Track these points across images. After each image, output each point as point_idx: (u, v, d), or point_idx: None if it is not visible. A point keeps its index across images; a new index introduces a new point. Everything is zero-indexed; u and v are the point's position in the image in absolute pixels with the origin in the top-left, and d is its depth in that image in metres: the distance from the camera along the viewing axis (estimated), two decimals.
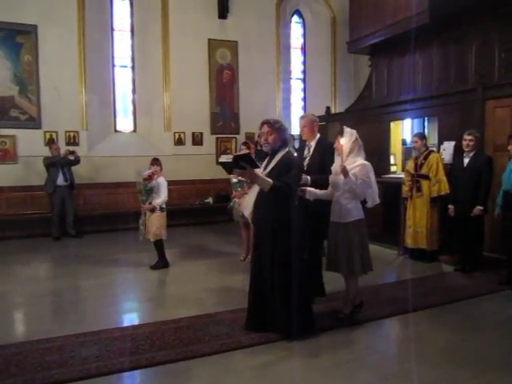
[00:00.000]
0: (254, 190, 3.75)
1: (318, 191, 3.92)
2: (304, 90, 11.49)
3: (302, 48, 11.39)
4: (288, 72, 11.10)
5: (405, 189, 6.21)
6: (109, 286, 5.28)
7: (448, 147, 6.36)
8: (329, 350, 3.48)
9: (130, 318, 4.37)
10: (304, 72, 11.46)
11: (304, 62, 11.43)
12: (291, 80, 11.27)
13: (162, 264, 5.84)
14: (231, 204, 6.12)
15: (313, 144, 4.41)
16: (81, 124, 8.86)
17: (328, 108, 9.31)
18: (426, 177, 5.93)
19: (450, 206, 5.58)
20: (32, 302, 4.74)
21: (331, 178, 3.91)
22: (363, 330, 3.84)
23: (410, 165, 6.22)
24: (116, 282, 5.52)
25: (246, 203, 3.91)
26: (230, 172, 3.54)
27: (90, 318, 4.16)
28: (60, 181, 7.94)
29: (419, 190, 6.00)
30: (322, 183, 4.02)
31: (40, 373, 3.07)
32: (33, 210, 8.20)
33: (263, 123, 3.69)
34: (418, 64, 8.30)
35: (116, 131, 9.54)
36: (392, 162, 8.45)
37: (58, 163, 7.89)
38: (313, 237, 4.24)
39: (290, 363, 3.27)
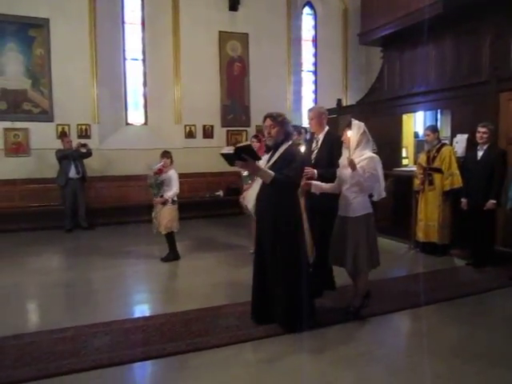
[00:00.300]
0: (257, 183, 3.74)
1: (323, 185, 3.90)
2: (315, 82, 11.41)
3: (313, 40, 11.30)
4: (299, 64, 11.03)
5: (417, 182, 6.16)
6: (120, 278, 5.35)
7: (461, 140, 6.28)
8: (337, 343, 3.48)
9: (141, 310, 4.42)
10: (315, 64, 11.38)
11: (315, 54, 11.34)
12: (302, 72, 11.19)
13: (172, 256, 5.88)
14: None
15: (321, 137, 4.35)
16: (92, 117, 8.92)
17: (339, 100, 9.24)
18: (439, 170, 5.87)
19: (463, 200, 5.53)
20: (45, 293, 4.82)
21: (338, 171, 3.88)
22: (372, 324, 3.84)
23: (422, 158, 6.16)
24: (127, 273, 5.57)
25: (249, 196, 3.90)
26: (231, 164, 3.49)
27: (101, 309, 4.22)
28: (72, 173, 8.02)
29: (431, 183, 5.95)
30: (329, 177, 3.98)
31: (53, 362, 3.13)
32: (45, 203, 8.29)
33: (266, 117, 3.68)
34: (431, 56, 8.20)
35: (127, 124, 9.59)
36: (404, 154, 8.39)
37: (70, 156, 7.96)
38: (321, 231, 4.22)
39: (298, 356, 3.29)
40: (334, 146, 4.17)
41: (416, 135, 9.23)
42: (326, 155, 4.24)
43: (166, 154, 5.77)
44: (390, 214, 7.23)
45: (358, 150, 3.77)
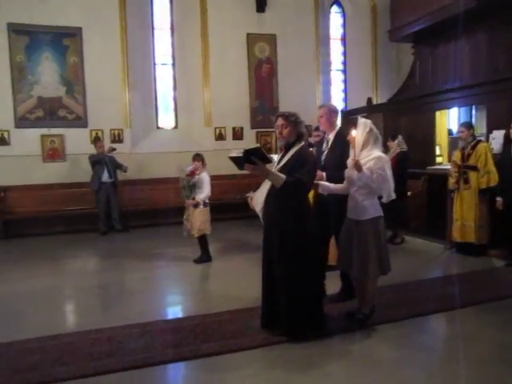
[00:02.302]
0: (265, 186, 3.56)
1: (331, 185, 3.72)
2: (344, 81, 11.28)
3: (341, 38, 11.18)
4: (328, 64, 10.93)
5: (451, 181, 5.99)
6: (153, 280, 5.43)
7: (497, 136, 6.09)
8: (369, 347, 3.43)
9: (175, 311, 4.48)
10: (344, 63, 11.24)
11: (344, 53, 11.21)
12: (331, 72, 11.09)
13: (205, 258, 5.92)
14: None
15: (331, 137, 4.13)
16: (124, 122, 9.10)
17: (369, 99, 9.12)
18: (474, 168, 5.69)
19: (498, 199, 5.34)
20: (81, 295, 4.95)
21: (346, 172, 3.69)
22: (406, 328, 3.74)
23: (457, 155, 5.98)
24: (160, 275, 5.66)
25: (256, 199, 3.68)
26: (241, 168, 3.33)
27: (136, 311, 4.28)
28: (105, 178, 8.19)
29: (467, 181, 5.77)
30: (337, 180, 3.77)
31: (91, 362, 3.20)
32: (81, 206, 8.50)
33: (278, 116, 3.54)
34: (465, 50, 7.99)
35: (158, 128, 9.74)
36: (437, 152, 8.21)
37: (103, 161, 8.14)
38: (326, 232, 4.08)
39: (330, 358, 3.25)
40: (345, 147, 3.92)
41: (450, 132, 9.01)
42: (335, 156, 4.01)
43: (198, 157, 5.80)
44: (423, 214, 7.07)
45: (366, 151, 3.59)
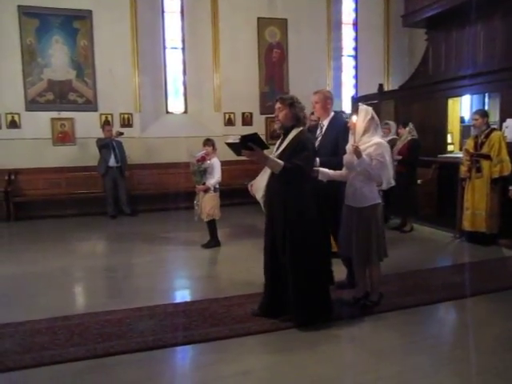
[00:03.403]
0: (266, 172, 3.51)
1: (331, 172, 3.69)
2: (356, 67, 11.13)
3: (353, 23, 11.00)
4: (339, 49, 10.78)
5: (463, 169, 5.91)
6: (162, 263, 5.46)
7: (511, 125, 5.99)
8: (377, 333, 3.43)
9: (183, 295, 4.52)
10: (356, 49, 11.09)
11: (356, 39, 11.04)
12: (342, 57, 10.95)
13: (213, 243, 5.94)
14: None
15: (325, 123, 4.07)
16: (134, 106, 9.09)
17: (381, 85, 9.02)
18: (487, 157, 5.62)
19: (511, 188, 5.27)
20: (91, 277, 5.01)
21: (345, 158, 3.66)
22: (416, 315, 3.74)
23: (470, 144, 5.90)
24: (169, 259, 5.69)
25: (257, 186, 3.63)
26: (238, 154, 3.31)
27: (144, 293, 4.32)
28: (112, 162, 8.19)
29: (479, 170, 5.70)
30: (331, 166, 3.72)
31: (101, 343, 3.25)
32: (90, 190, 8.55)
33: (276, 100, 3.51)
34: (480, 36, 7.84)
35: (167, 112, 9.71)
36: (449, 140, 8.11)
37: (110, 145, 8.14)
38: (326, 220, 3.97)
39: (337, 344, 3.27)
40: (339, 133, 3.90)
41: (462, 120, 8.89)
42: (329, 143, 3.97)
43: (209, 142, 5.79)
44: (433, 203, 7.02)
45: (366, 137, 3.57)
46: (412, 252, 5.71)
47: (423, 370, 2.90)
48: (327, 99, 4.08)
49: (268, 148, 3.31)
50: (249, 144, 3.19)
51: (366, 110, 3.65)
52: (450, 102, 7.81)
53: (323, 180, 3.72)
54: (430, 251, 5.82)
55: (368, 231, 3.59)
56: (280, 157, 3.36)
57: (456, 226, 6.18)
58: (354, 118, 3.55)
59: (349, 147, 3.62)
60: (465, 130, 8.29)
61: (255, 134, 3.24)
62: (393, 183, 3.78)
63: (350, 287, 4.11)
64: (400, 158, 6.46)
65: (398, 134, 6.81)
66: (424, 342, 3.26)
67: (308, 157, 3.38)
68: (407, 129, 6.64)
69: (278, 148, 3.49)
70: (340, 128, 3.96)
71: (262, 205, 3.63)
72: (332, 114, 4.13)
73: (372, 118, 3.62)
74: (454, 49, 8.45)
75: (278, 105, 3.47)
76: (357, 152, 3.43)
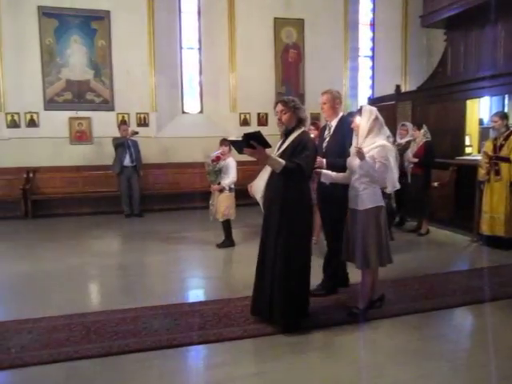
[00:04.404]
0: (265, 173, 3.51)
1: (333, 174, 3.65)
2: (372, 68, 11.04)
3: (370, 24, 10.91)
4: (356, 50, 10.70)
5: (481, 172, 5.82)
6: (177, 262, 5.48)
7: None
8: (394, 337, 3.39)
9: (197, 294, 4.52)
10: (373, 49, 10.99)
11: (373, 39, 10.95)
12: (359, 58, 10.86)
13: (228, 243, 5.95)
14: None
15: (333, 124, 4.04)
16: (150, 106, 9.15)
17: (398, 86, 8.92)
18: (507, 159, 5.52)
19: None
20: (106, 275, 5.05)
21: (348, 160, 3.61)
22: (432, 319, 3.70)
23: (488, 146, 5.81)
24: (183, 258, 5.71)
25: (256, 186, 3.61)
26: (240, 151, 3.30)
27: (159, 292, 4.35)
28: (127, 161, 8.23)
29: (498, 173, 5.61)
30: (339, 167, 3.70)
31: (116, 341, 3.27)
32: (106, 189, 8.62)
33: (277, 102, 3.50)
34: (500, 37, 7.70)
35: (183, 112, 9.76)
36: (467, 143, 8.00)
37: (125, 144, 8.18)
38: (332, 223, 4.01)
39: (355, 347, 3.24)
40: (347, 134, 3.82)
41: (481, 122, 8.75)
42: (337, 144, 3.94)
43: (225, 142, 5.77)
44: (451, 206, 6.91)
45: (370, 138, 3.49)
46: (429, 255, 5.64)
47: (442, 374, 2.86)
48: (335, 99, 4.03)
49: (270, 147, 3.34)
50: (251, 142, 3.21)
51: (369, 110, 3.59)
52: (469, 103, 7.71)
53: (326, 182, 3.70)
54: (448, 255, 5.74)
55: (369, 235, 3.50)
56: (281, 156, 3.38)
57: (474, 229, 6.09)
58: (358, 119, 3.50)
59: (352, 149, 3.58)
60: (483, 132, 8.17)
61: (258, 132, 3.25)
62: (398, 186, 3.70)
63: (323, 295, 4.06)
64: (416, 160, 6.41)
65: (412, 136, 6.75)
66: (441, 346, 3.21)
67: (309, 157, 3.38)
68: (422, 131, 6.58)
69: (279, 148, 3.51)
70: (348, 129, 3.90)
71: (261, 205, 3.62)
72: (340, 114, 4.09)
73: (376, 118, 3.55)
74: (473, 49, 8.32)
75: (279, 107, 3.46)
76: (360, 154, 3.37)
